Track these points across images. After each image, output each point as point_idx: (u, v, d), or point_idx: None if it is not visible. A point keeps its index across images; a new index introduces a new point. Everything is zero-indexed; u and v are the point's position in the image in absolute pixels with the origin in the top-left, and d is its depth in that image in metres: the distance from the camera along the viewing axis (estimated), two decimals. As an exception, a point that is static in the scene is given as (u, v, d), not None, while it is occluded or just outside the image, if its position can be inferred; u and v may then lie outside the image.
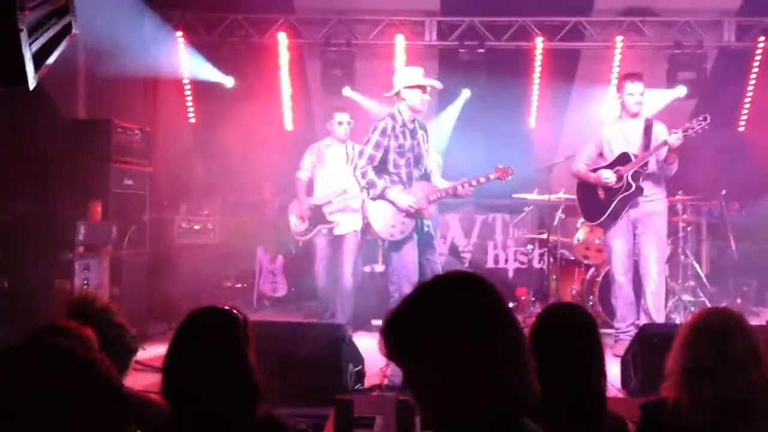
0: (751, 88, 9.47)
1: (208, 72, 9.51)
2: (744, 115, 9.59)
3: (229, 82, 9.55)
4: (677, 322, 7.28)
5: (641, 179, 6.53)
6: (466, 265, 9.70)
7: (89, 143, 7.21)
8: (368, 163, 5.95)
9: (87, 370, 1.73)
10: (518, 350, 1.68)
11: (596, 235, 8.14)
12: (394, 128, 5.96)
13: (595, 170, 6.77)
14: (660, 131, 6.56)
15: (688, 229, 8.27)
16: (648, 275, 6.58)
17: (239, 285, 9.44)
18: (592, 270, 8.14)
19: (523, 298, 8.59)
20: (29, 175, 6.72)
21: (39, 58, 3.18)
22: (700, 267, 8.50)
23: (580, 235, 8.27)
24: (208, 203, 9.19)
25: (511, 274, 9.87)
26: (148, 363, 4.72)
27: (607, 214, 6.64)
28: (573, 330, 2.68)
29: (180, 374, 2.35)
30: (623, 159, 6.59)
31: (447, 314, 1.66)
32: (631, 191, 6.54)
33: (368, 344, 6.65)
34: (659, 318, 6.51)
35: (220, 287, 9.10)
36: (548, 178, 8.23)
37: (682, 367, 2.65)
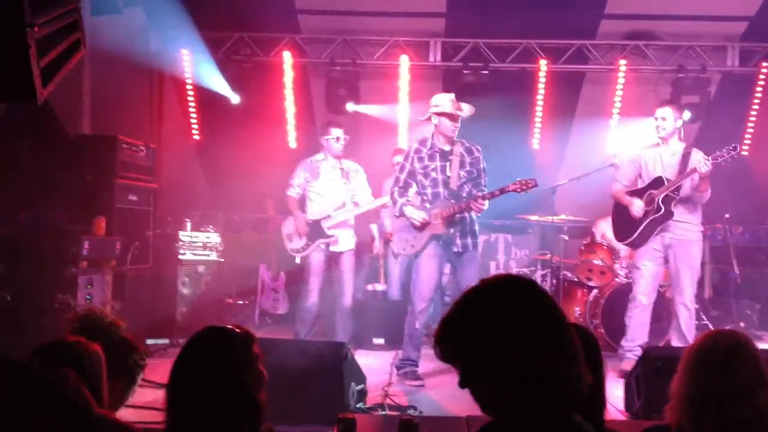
0: (754, 112, 9.51)
1: (214, 88, 9.56)
2: (747, 139, 9.61)
3: (234, 99, 9.59)
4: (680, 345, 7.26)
5: (672, 204, 6.55)
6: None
7: (94, 159, 7.25)
8: (394, 184, 6.51)
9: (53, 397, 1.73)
10: (569, 347, 1.75)
11: (599, 257, 8.14)
12: (419, 151, 6.39)
13: (630, 193, 6.85)
14: (697, 159, 6.57)
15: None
16: (682, 302, 6.60)
17: (241, 302, 9.42)
18: (595, 292, 8.13)
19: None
20: (34, 190, 6.75)
21: (47, 74, 3.20)
22: (703, 290, 8.49)
23: (583, 256, 8.27)
24: (211, 220, 9.20)
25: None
26: (149, 379, 4.71)
27: (635, 235, 6.69)
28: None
29: (182, 393, 2.35)
30: (657, 183, 6.64)
31: (501, 313, 1.74)
32: (660, 214, 6.55)
33: (370, 362, 6.67)
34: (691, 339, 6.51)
35: (222, 304, 9.08)
36: (551, 200, 8.25)
37: (687, 391, 2.62)
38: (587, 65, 9.56)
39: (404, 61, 9.40)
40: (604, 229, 8.88)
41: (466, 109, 6.35)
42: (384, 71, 9.63)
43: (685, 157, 6.63)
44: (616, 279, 8.04)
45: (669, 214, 6.56)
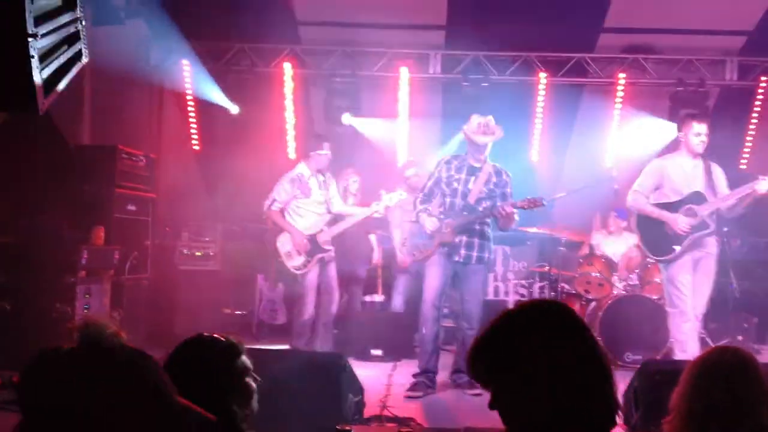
0: (753, 126, 9.53)
1: (214, 99, 9.58)
2: (746, 152, 9.63)
3: (233, 109, 9.62)
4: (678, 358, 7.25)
5: (713, 218, 6.46)
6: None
7: (94, 169, 7.27)
8: (420, 190, 6.73)
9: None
10: (602, 371, 1.76)
11: (597, 270, 8.14)
12: (449, 162, 6.57)
13: (662, 206, 6.63)
14: (718, 172, 6.55)
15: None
16: (696, 315, 6.52)
17: (239, 312, 9.42)
18: (593, 304, 8.13)
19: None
20: (34, 199, 6.76)
21: (49, 85, 3.21)
22: (701, 303, 8.47)
23: (581, 269, 8.27)
24: (210, 230, 9.21)
25: (511, 306, 9.84)
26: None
27: (679, 251, 6.48)
28: None
29: None
30: (697, 198, 6.49)
31: (538, 336, 1.75)
32: (708, 230, 6.44)
33: (368, 374, 6.66)
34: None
35: (220, 314, 9.08)
36: (550, 212, 8.25)
37: (689, 405, 2.59)
38: (586, 78, 9.59)
39: (404, 73, 9.42)
40: (599, 241, 8.89)
41: (485, 138, 6.38)
42: (384, 83, 9.65)
43: (708, 169, 6.55)
44: (614, 292, 8.04)
45: (712, 230, 6.45)
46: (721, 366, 2.60)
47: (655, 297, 7.96)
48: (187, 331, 2.65)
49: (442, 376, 6.62)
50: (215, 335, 2.53)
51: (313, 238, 7.42)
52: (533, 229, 8.44)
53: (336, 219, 7.57)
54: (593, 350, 1.77)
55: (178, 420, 1.82)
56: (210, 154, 10.01)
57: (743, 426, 2.50)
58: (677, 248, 6.48)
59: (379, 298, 8.65)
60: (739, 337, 8.55)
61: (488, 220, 6.42)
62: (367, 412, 5.31)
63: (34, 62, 3.00)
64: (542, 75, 9.39)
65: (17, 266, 6.25)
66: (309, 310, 7.46)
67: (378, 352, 7.83)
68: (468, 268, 6.39)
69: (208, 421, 2.33)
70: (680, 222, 6.47)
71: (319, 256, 7.41)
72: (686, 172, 6.61)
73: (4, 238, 6.40)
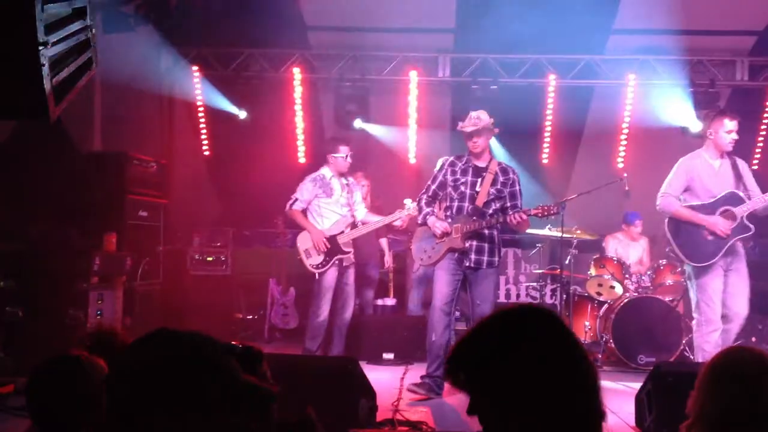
0: (764, 126, 9.50)
1: (223, 105, 9.62)
2: (757, 153, 9.59)
3: (241, 115, 9.66)
4: (692, 359, 7.22)
5: (752, 221, 6.29)
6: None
7: (105, 175, 7.30)
8: (424, 192, 6.57)
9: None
10: (586, 380, 1.72)
11: (609, 272, 8.12)
12: (453, 164, 6.44)
13: (696, 209, 6.43)
14: (745, 168, 6.44)
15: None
16: (738, 317, 6.33)
17: (251, 316, 9.44)
18: (605, 306, 8.10)
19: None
20: (46, 207, 6.79)
21: (60, 93, 3.23)
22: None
23: (593, 271, 8.25)
24: (222, 235, 9.24)
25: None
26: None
27: (721, 254, 6.26)
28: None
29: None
30: (733, 199, 6.32)
31: (518, 342, 1.72)
32: (749, 233, 6.27)
33: (380, 378, 6.65)
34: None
35: (232, 318, 9.10)
36: (561, 215, 8.22)
37: (706, 410, 2.50)
38: (597, 80, 9.57)
39: (413, 77, 9.44)
40: (615, 246, 8.88)
41: (469, 127, 6.31)
42: (393, 87, 9.67)
43: (735, 166, 6.43)
44: (626, 294, 8.02)
45: (753, 232, 6.29)
46: (737, 367, 2.51)
47: (667, 299, 7.94)
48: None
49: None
50: (232, 342, 2.54)
51: (333, 239, 7.38)
52: (544, 231, 8.43)
53: (355, 223, 7.55)
54: (577, 360, 1.73)
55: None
56: (220, 160, 10.05)
57: (764, 430, 2.41)
58: (719, 254, 6.26)
59: (390, 301, 8.64)
60: (753, 338, 8.51)
61: (511, 220, 6.31)
62: (379, 416, 5.30)
63: (45, 70, 3.02)
64: (552, 77, 9.38)
65: (30, 273, 6.28)
66: (324, 311, 7.40)
67: (390, 356, 7.82)
68: (479, 273, 6.35)
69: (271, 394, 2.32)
70: (721, 224, 6.25)
71: (338, 257, 7.37)
72: (716, 171, 6.45)
73: (17, 245, 6.43)
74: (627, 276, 8.21)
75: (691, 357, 7.51)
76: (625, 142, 9.66)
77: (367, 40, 9.54)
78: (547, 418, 1.66)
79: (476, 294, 6.35)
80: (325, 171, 7.57)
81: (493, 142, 9.32)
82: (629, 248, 8.88)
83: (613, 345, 7.65)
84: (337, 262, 7.39)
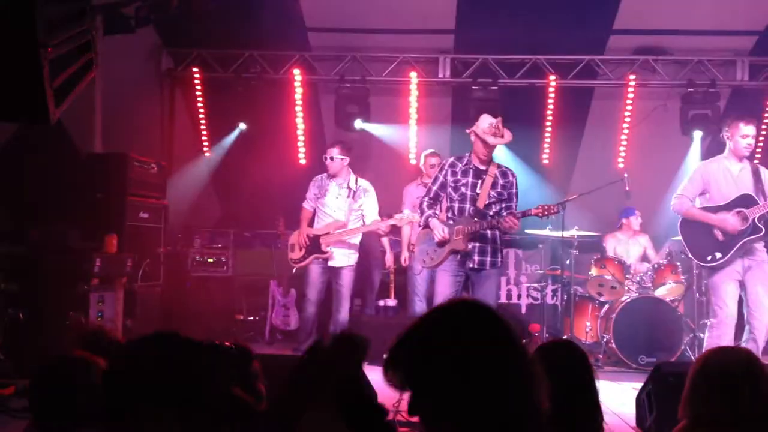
0: (765, 126, 9.48)
1: (224, 106, 9.63)
2: (758, 153, 9.56)
3: (244, 117, 9.66)
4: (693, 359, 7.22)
5: (763, 223, 6.26)
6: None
7: (106, 177, 7.30)
8: (425, 194, 6.61)
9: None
10: (521, 378, 1.68)
11: (610, 272, 8.12)
12: (454, 165, 6.44)
13: (708, 210, 6.44)
14: (765, 174, 6.39)
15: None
16: (762, 324, 6.27)
17: (252, 318, 9.44)
18: (606, 307, 8.10)
19: (536, 334, 8.55)
20: (46, 208, 6.79)
21: (60, 95, 3.23)
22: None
23: (594, 271, 8.25)
24: (222, 236, 9.24)
25: (524, 309, 9.84)
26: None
27: (729, 255, 6.27)
28: (565, 370, 2.61)
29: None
30: (746, 201, 6.30)
31: (444, 343, 1.68)
32: (759, 235, 6.24)
33: (380, 378, 6.64)
34: None
35: (233, 320, 9.10)
36: (561, 215, 8.23)
37: (695, 413, 2.50)
38: (596, 80, 9.57)
39: (413, 78, 9.44)
40: (614, 245, 8.88)
41: (497, 140, 6.32)
42: (393, 88, 9.67)
43: (756, 173, 6.39)
44: (627, 294, 8.01)
45: (763, 234, 6.25)
46: (723, 367, 2.50)
47: (668, 299, 7.94)
48: (200, 338, 2.66)
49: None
50: (226, 343, 2.55)
51: (316, 238, 7.68)
52: (545, 232, 8.43)
53: (346, 225, 7.66)
54: (512, 355, 1.69)
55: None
56: (221, 161, 10.06)
57: (749, 431, 2.38)
58: (727, 254, 6.27)
59: (392, 302, 8.64)
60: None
61: (502, 224, 6.35)
62: (380, 417, 5.30)
63: (46, 73, 3.03)
64: (552, 78, 9.38)
65: (30, 275, 6.29)
66: (308, 307, 7.78)
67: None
68: (482, 274, 6.36)
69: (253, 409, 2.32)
70: (730, 221, 6.25)
71: (315, 255, 7.67)
72: (734, 176, 6.42)
73: (18, 247, 6.44)
74: (628, 276, 8.21)
75: (692, 357, 7.52)
76: (625, 143, 9.66)
77: (367, 42, 9.54)
78: (479, 418, 1.62)
79: (479, 295, 6.36)
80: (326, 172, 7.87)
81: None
82: (629, 246, 8.87)
83: (613, 345, 7.64)
84: (316, 260, 7.56)
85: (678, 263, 8.16)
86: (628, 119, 9.56)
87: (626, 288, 8.10)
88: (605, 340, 7.84)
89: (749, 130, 6.38)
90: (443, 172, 6.48)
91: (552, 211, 6.18)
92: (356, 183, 7.74)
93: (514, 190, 6.42)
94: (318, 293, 7.80)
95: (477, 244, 6.30)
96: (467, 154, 6.46)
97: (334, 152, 7.69)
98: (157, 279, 7.69)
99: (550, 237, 8.48)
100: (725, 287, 6.32)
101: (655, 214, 9.12)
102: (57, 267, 6.34)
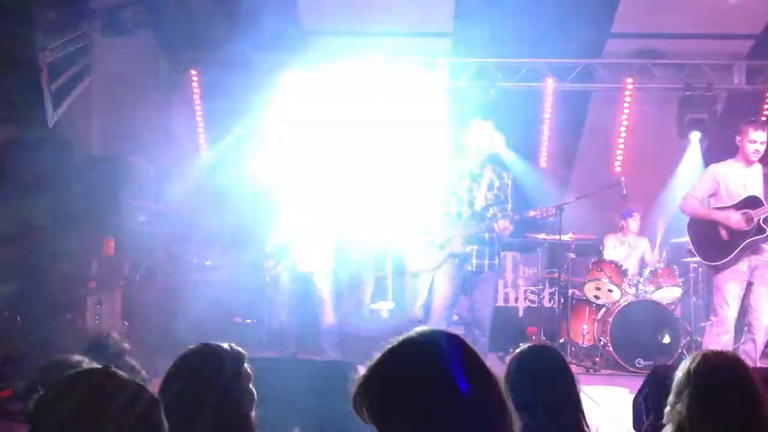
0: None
1: (221, 109, 9.62)
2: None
3: (242, 118, 9.66)
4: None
5: None
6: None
7: (103, 180, 7.28)
8: None
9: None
10: (476, 409, 1.65)
11: (607, 275, 8.13)
12: (448, 169, 6.56)
13: (717, 210, 6.51)
14: None
15: (700, 269, 8.23)
16: (762, 325, 6.34)
17: (249, 320, 9.43)
18: (603, 310, 8.11)
19: (533, 337, 8.56)
20: (44, 211, 6.78)
21: (58, 98, 3.24)
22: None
23: (591, 275, 8.26)
24: (220, 239, 9.24)
25: (521, 312, 9.84)
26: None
27: (732, 255, 6.34)
28: (545, 374, 2.63)
29: (169, 411, 2.36)
30: (753, 202, 6.37)
31: (403, 377, 1.68)
32: (764, 235, 6.29)
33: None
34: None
35: (231, 323, 9.09)
36: (559, 218, 8.24)
37: (678, 423, 2.47)
38: (594, 84, 9.58)
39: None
40: (614, 244, 8.88)
41: (487, 147, 6.36)
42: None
43: (766, 176, 6.45)
44: (624, 297, 8.02)
45: (767, 235, 6.30)
46: (709, 372, 2.46)
47: (665, 302, 7.95)
48: (198, 340, 2.67)
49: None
50: (219, 344, 2.56)
51: (284, 246, 7.59)
52: (542, 235, 8.44)
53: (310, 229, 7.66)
54: (486, 381, 1.68)
55: None
56: (219, 164, 10.05)
57: None
58: (731, 253, 6.31)
59: (390, 306, 8.64)
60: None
61: (495, 227, 6.39)
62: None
63: (44, 76, 3.04)
64: (550, 81, 9.38)
65: (27, 278, 6.27)
66: (282, 314, 7.65)
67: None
68: (480, 276, 6.39)
69: None
70: (734, 218, 6.30)
71: (285, 261, 7.58)
72: (744, 179, 6.47)
73: (14, 250, 6.42)
74: (625, 279, 8.21)
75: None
76: (622, 146, 9.67)
77: (365, 44, 9.53)
78: None
79: (476, 297, 6.39)
80: None
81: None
82: (628, 247, 8.86)
83: (611, 348, 7.65)
84: (286, 267, 7.49)
85: (675, 266, 8.17)
86: (625, 122, 9.57)
87: (623, 291, 8.11)
88: (602, 343, 7.85)
89: (758, 135, 6.39)
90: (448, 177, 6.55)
91: (549, 214, 6.22)
92: None
93: (509, 192, 6.45)
94: (290, 300, 7.70)
95: (475, 247, 6.31)
96: (464, 157, 6.49)
97: None
98: (155, 282, 7.69)
99: (548, 240, 8.49)
100: (728, 286, 6.37)
101: (652, 216, 9.14)
102: (54, 270, 6.34)
